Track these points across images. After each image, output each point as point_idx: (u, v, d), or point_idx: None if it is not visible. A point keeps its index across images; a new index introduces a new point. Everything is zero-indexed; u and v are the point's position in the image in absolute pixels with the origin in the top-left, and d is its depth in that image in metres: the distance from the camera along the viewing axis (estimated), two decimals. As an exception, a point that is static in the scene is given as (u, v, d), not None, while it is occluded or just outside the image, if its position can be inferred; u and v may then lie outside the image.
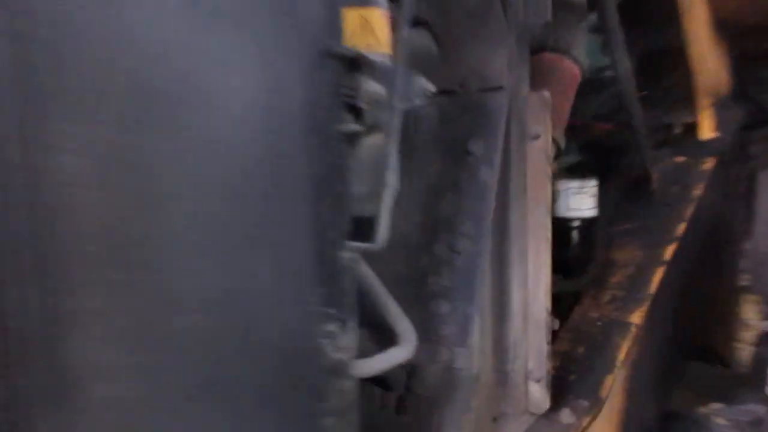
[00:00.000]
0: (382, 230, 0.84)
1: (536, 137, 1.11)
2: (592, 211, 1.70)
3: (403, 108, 0.89)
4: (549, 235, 1.16)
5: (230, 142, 0.61)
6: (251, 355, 0.68)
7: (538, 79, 1.42)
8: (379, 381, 1.07)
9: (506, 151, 1.09)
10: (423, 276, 1.06)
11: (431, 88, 0.91)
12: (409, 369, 1.05)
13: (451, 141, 1.08)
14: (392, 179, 0.84)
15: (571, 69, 1.43)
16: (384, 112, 0.86)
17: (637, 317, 1.48)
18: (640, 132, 1.73)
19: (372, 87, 0.81)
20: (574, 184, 1.68)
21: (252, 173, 0.65)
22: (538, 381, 1.18)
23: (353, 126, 0.81)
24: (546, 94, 1.13)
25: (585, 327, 1.49)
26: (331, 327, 0.80)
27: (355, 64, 0.81)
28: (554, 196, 1.72)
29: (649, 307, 1.58)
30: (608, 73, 2.12)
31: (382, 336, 1.11)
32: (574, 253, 1.75)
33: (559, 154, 1.41)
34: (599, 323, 1.49)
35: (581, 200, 1.68)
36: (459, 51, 1.10)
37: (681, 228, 1.73)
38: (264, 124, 0.66)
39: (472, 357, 1.13)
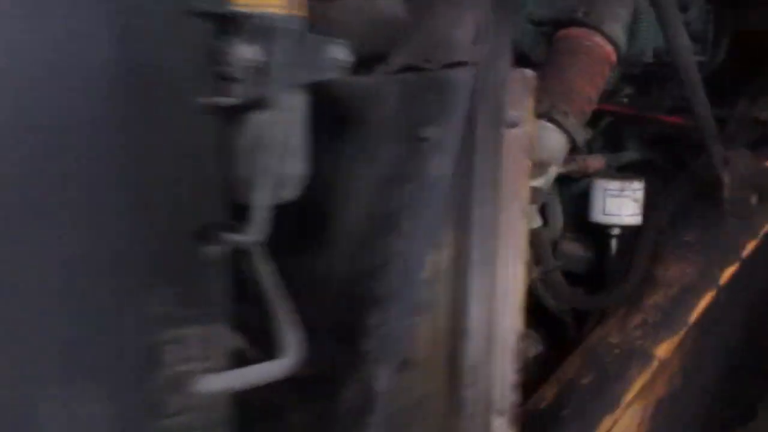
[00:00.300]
0: (257, 221, 0.71)
1: (514, 125, 0.92)
2: (634, 218, 1.45)
3: (309, 80, 0.76)
4: (523, 242, 0.97)
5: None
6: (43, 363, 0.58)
7: (558, 57, 1.21)
8: (303, 394, 0.95)
9: (472, 140, 0.91)
10: (361, 279, 0.92)
11: (349, 58, 0.76)
12: (334, 384, 0.92)
13: (408, 124, 0.92)
14: (274, 164, 0.70)
15: (601, 47, 1.20)
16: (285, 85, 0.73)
17: (663, 349, 1.24)
18: (707, 126, 1.45)
19: (248, 53, 0.68)
20: (613, 184, 1.44)
21: (30, 146, 0.54)
22: (501, 414, 1.00)
23: (224, 99, 0.68)
24: (528, 73, 0.93)
25: (599, 353, 1.27)
26: (184, 332, 0.69)
27: (229, 24, 0.68)
28: (588, 198, 1.50)
29: (694, 336, 1.32)
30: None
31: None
32: (610, 265, 1.51)
33: (575, 149, 1.19)
34: (617, 351, 1.26)
35: (621, 204, 1.44)
36: (426, 17, 0.93)
37: (750, 247, 1.44)
38: (56, 89, 0.55)
39: (418, 379, 0.98)
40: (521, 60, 1.37)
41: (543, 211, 1.62)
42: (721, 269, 1.40)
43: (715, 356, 1.38)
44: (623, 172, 1.67)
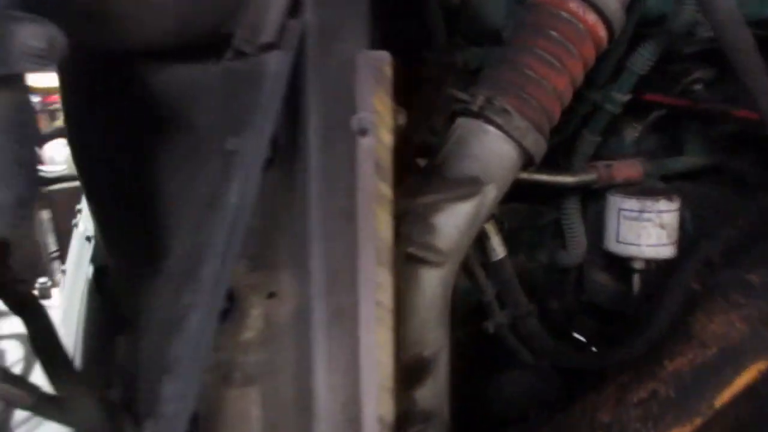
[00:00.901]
0: None
1: (362, 132, 0.64)
2: (658, 249, 1.08)
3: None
4: (386, 296, 0.68)
5: None
6: None
7: (519, 34, 0.90)
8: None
9: (302, 153, 0.65)
10: (166, 335, 0.70)
11: (45, 45, 0.54)
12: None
13: (219, 131, 0.68)
14: None
15: (582, 19, 0.86)
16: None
17: (666, 443, 0.88)
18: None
19: None
20: (629, 203, 1.07)
21: None
22: None
23: None
24: (379, 56, 0.64)
25: (578, 436, 0.93)
26: None
27: None
28: (602, 220, 1.14)
29: (727, 426, 0.94)
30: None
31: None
32: (631, 310, 1.14)
33: (531, 163, 0.86)
34: (602, 435, 0.92)
35: (640, 230, 1.07)
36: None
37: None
38: None
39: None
40: (494, 38, 1.06)
41: (562, 233, 1.29)
42: (787, 328, 0.98)
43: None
44: (674, 182, 1.28)
